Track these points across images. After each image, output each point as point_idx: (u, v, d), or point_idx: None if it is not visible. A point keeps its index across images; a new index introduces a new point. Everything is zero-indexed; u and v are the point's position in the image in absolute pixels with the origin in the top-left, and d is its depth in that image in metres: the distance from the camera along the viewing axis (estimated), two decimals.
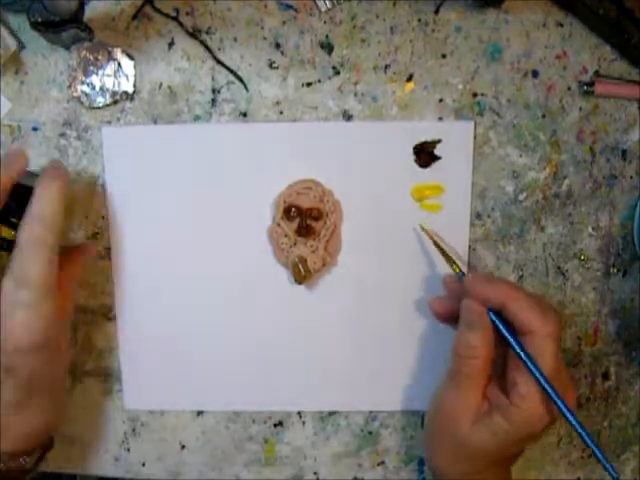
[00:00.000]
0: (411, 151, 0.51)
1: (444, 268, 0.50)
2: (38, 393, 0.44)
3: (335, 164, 0.51)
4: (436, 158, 0.51)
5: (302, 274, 0.50)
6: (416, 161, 0.51)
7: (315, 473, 0.56)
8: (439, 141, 0.51)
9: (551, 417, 0.44)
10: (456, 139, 0.51)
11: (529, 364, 0.43)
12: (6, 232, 0.47)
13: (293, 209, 0.50)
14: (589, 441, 0.43)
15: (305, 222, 0.50)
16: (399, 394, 0.55)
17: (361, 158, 0.51)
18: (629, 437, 0.57)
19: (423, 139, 0.51)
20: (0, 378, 0.42)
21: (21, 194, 0.46)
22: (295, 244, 0.50)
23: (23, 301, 0.42)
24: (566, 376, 0.45)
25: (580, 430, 0.43)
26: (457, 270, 0.48)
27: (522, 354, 0.44)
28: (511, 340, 0.44)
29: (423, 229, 0.51)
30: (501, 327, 0.45)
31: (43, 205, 0.43)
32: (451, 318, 0.49)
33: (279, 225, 0.50)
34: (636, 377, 0.56)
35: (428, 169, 0.51)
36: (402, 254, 0.52)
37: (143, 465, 0.56)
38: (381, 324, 0.53)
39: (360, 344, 0.54)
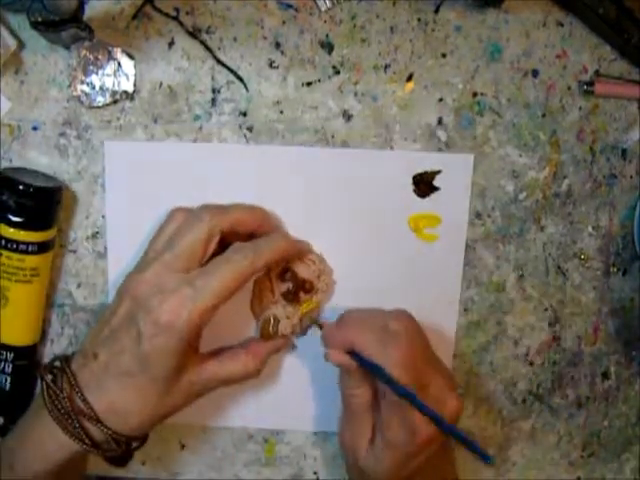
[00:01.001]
0: (410, 181, 0.51)
1: (438, 297, 0.52)
2: (166, 382, 0.45)
3: (334, 189, 0.51)
4: (435, 189, 0.51)
5: (269, 333, 0.49)
6: (415, 191, 0.51)
7: (315, 473, 0.56)
8: (439, 172, 0.51)
9: (421, 437, 0.44)
10: (455, 171, 0.51)
11: (397, 388, 0.44)
12: (3, 229, 0.47)
13: (289, 274, 0.50)
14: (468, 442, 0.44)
15: (296, 290, 0.50)
16: None
17: (360, 185, 0.51)
18: (629, 437, 0.57)
19: (423, 169, 0.51)
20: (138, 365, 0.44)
21: (20, 192, 0.46)
22: (275, 303, 0.50)
23: (191, 288, 0.43)
24: (442, 391, 0.45)
25: (456, 434, 0.44)
26: (321, 327, 0.49)
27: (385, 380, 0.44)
28: (372, 371, 0.45)
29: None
30: (361, 364, 0.46)
31: (271, 245, 0.46)
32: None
33: (270, 280, 0.50)
34: (636, 376, 0.56)
35: (426, 199, 0.51)
36: (396, 282, 0.52)
37: (143, 465, 0.56)
38: None
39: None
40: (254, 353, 0.48)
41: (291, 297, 0.50)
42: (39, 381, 0.45)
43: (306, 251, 0.51)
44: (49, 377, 0.45)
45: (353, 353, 0.46)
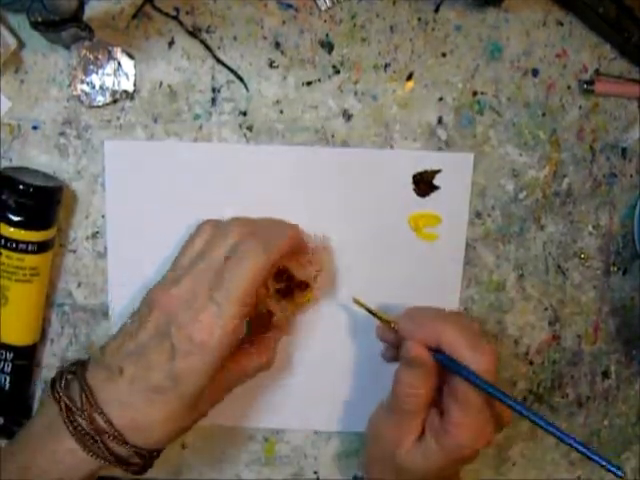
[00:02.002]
0: (410, 180, 0.51)
1: (438, 297, 0.52)
2: (194, 399, 0.44)
3: (334, 189, 0.51)
4: (435, 188, 0.51)
5: (261, 327, 0.49)
6: (415, 190, 0.51)
7: (315, 473, 0.56)
8: (439, 171, 0.51)
9: (483, 441, 0.45)
10: (455, 170, 0.51)
11: (478, 382, 0.43)
12: (3, 228, 0.47)
13: (285, 275, 0.49)
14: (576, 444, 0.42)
15: (291, 289, 0.49)
16: None
17: (360, 185, 0.51)
18: (629, 436, 0.57)
19: (423, 168, 0.51)
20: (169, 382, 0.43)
21: (20, 192, 0.46)
22: (270, 297, 0.49)
23: (214, 304, 0.43)
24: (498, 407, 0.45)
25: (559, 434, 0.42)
26: (390, 322, 0.48)
27: (474, 379, 0.44)
28: (457, 371, 0.44)
29: (356, 302, 0.50)
30: (444, 363, 0.45)
31: (279, 234, 0.46)
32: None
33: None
34: (636, 376, 0.56)
35: (426, 198, 0.51)
36: (396, 282, 0.52)
37: None
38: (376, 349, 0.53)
39: (354, 366, 0.54)
40: (262, 345, 0.48)
41: (285, 293, 0.49)
42: (53, 401, 0.43)
43: (305, 249, 0.50)
44: (65, 397, 0.42)
45: (434, 351, 0.45)
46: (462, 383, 0.44)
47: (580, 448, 0.41)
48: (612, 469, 0.40)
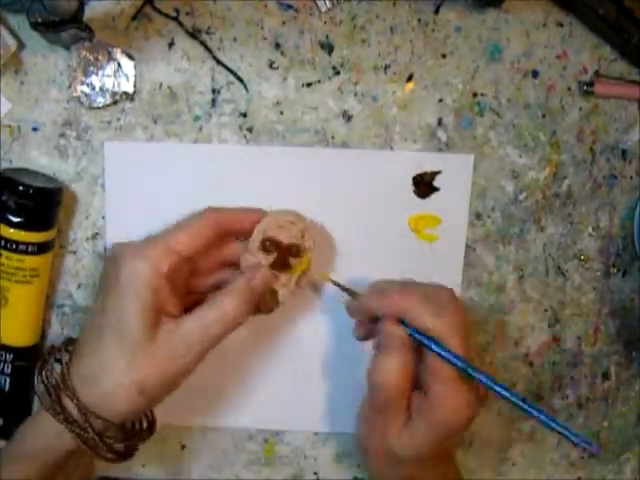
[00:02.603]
0: (410, 181, 0.51)
1: None
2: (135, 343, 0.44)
3: (334, 190, 0.51)
4: (435, 189, 0.51)
5: (270, 306, 0.48)
6: (415, 191, 0.51)
7: (315, 473, 0.56)
8: (439, 172, 0.51)
9: (468, 413, 0.44)
10: (455, 171, 0.51)
11: (446, 356, 0.43)
12: (3, 229, 0.47)
13: (269, 243, 0.47)
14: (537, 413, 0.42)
15: (284, 258, 0.48)
16: None
17: (360, 186, 0.51)
18: (629, 437, 0.57)
19: (422, 170, 0.51)
20: None
21: (20, 193, 0.46)
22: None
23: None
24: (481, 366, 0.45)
25: (518, 402, 0.42)
26: (357, 295, 0.48)
27: (441, 353, 0.43)
28: (425, 343, 0.44)
29: (323, 277, 0.51)
30: (413, 335, 0.45)
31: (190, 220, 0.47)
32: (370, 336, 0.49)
33: (253, 255, 0.47)
34: (636, 377, 0.56)
35: (426, 200, 0.51)
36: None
37: (143, 465, 0.56)
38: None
39: (354, 367, 0.53)
40: (226, 293, 0.46)
41: (280, 265, 0.48)
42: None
43: (281, 213, 0.49)
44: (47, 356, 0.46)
45: (402, 324, 0.45)
46: (432, 355, 0.44)
47: (544, 418, 0.41)
48: (583, 444, 0.39)
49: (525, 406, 0.42)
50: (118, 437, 0.46)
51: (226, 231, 0.48)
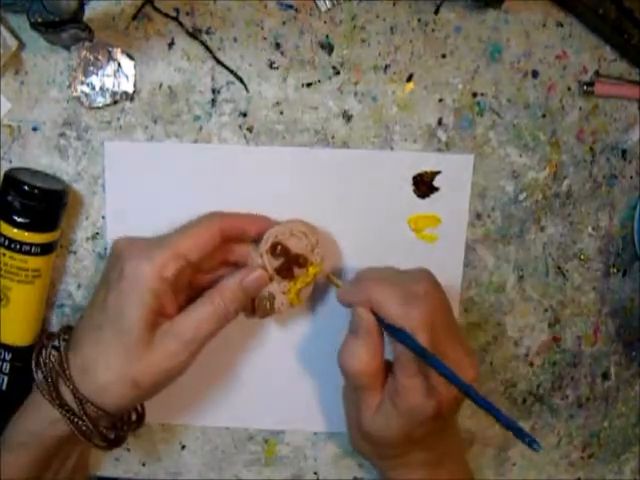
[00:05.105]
0: (410, 181, 0.51)
1: None
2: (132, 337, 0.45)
3: (334, 190, 0.51)
4: (435, 189, 0.51)
5: (266, 310, 0.49)
6: (415, 191, 0.51)
7: (315, 473, 0.56)
8: (438, 172, 0.51)
9: (434, 402, 0.44)
10: (455, 171, 0.51)
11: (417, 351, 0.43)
12: (7, 229, 0.47)
13: (280, 247, 0.48)
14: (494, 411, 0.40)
15: (289, 266, 0.48)
16: None
17: (360, 186, 0.51)
18: (629, 437, 0.57)
19: (422, 170, 0.51)
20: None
21: (26, 194, 0.46)
22: (270, 280, 0.48)
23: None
24: (458, 358, 0.44)
25: (480, 402, 0.41)
26: (339, 285, 0.49)
27: (406, 342, 0.43)
28: (391, 333, 0.44)
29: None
30: (382, 323, 0.45)
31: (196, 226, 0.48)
32: None
33: (261, 257, 0.48)
34: (636, 377, 0.56)
35: (426, 200, 0.52)
36: None
37: (143, 465, 0.56)
38: None
39: None
40: (218, 291, 0.47)
41: (285, 273, 0.48)
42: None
43: (296, 224, 0.49)
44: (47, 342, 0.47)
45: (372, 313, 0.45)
46: (398, 345, 0.44)
47: (488, 406, 0.40)
48: (527, 441, 0.37)
49: (478, 398, 0.41)
50: (109, 426, 0.47)
51: (232, 237, 0.48)
